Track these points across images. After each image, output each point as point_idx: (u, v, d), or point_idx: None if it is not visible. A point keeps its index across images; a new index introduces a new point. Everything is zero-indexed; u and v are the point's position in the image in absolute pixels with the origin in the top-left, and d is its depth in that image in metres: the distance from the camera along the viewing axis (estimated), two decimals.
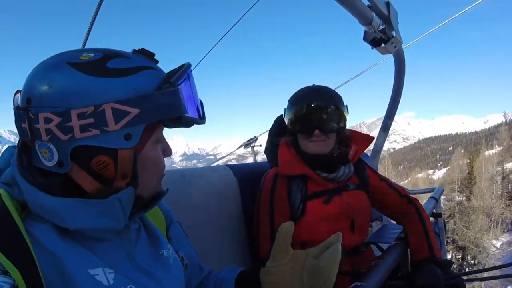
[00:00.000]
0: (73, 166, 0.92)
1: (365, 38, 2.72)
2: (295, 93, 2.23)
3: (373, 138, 2.41)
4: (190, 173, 2.20)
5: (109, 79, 0.90)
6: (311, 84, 2.27)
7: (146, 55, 1.01)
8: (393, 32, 2.67)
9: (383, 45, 2.70)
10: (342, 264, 2.01)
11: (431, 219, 3.21)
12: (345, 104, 2.20)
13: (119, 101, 0.89)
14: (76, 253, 0.92)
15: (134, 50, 1.01)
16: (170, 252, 1.19)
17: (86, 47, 1.42)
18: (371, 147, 4.26)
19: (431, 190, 3.88)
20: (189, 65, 1.04)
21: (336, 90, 2.28)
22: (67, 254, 0.90)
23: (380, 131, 4.17)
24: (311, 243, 2.10)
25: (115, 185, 0.98)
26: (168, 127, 1.03)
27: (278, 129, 2.41)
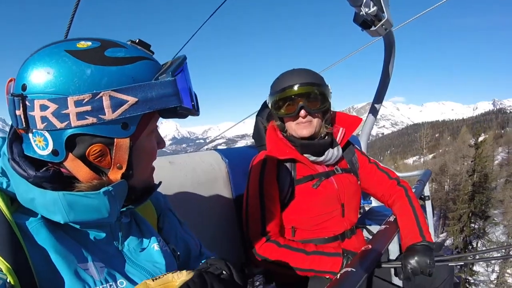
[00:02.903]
0: (68, 155, 0.92)
1: (355, 20, 2.64)
2: (276, 78, 2.18)
3: (360, 119, 2.38)
4: (178, 159, 2.17)
5: (107, 67, 0.89)
6: (291, 69, 2.22)
7: (142, 46, 1.02)
8: (384, 14, 2.60)
9: (373, 27, 2.64)
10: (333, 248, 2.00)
11: (420, 202, 3.24)
12: (327, 84, 2.16)
13: (117, 89, 0.89)
14: (67, 247, 0.91)
15: (131, 41, 1.02)
16: (160, 245, 1.18)
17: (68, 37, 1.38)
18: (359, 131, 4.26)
19: (419, 173, 3.90)
20: (185, 57, 1.04)
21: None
22: (57, 248, 0.89)
23: (368, 114, 4.16)
24: (301, 228, 2.10)
25: (109, 176, 0.98)
26: (164, 117, 1.03)
27: (265, 113, 2.38)
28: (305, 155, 2.14)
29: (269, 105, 2.20)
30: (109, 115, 0.88)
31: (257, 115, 2.43)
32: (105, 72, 0.89)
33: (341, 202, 2.14)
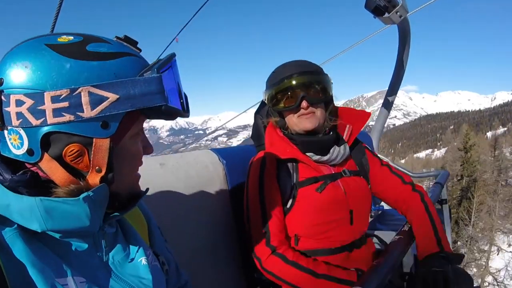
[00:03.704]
0: (44, 156, 0.91)
1: (367, 6, 2.58)
2: (272, 72, 2.13)
3: (369, 114, 2.27)
4: (170, 160, 2.08)
5: (88, 62, 0.89)
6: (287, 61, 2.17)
7: (128, 42, 1.01)
8: (399, 0, 2.53)
9: (387, 14, 2.56)
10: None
11: (436, 205, 3.15)
12: (327, 73, 2.10)
13: (97, 85, 0.88)
14: (44, 260, 0.88)
15: (116, 37, 1.01)
16: (149, 259, 1.15)
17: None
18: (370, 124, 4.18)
19: (436, 173, 3.78)
20: (173, 54, 1.04)
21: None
22: (34, 262, 0.86)
23: (381, 108, 4.06)
24: (305, 236, 2.02)
25: (88, 180, 0.96)
26: (149, 117, 1.02)
27: (264, 111, 2.30)
28: (308, 154, 2.06)
29: (266, 101, 2.14)
30: (87, 112, 0.87)
31: (255, 113, 2.36)
32: (85, 67, 0.88)
33: (349, 208, 2.04)
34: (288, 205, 2.02)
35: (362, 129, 2.21)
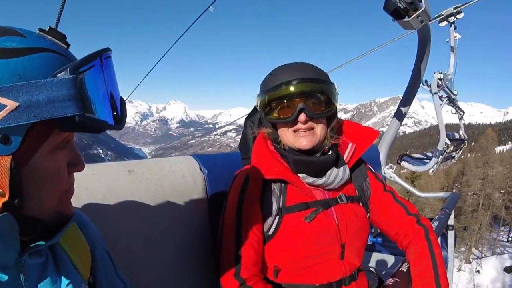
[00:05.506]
0: None
1: (386, 7, 2.36)
2: (268, 73, 1.83)
3: (377, 133, 1.97)
4: (141, 167, 1.79)
5: None
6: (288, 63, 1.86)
7: (53, 35, 0.83)
8: (422, 3, 2.32)
9: (407, 18, 2.35)
10: None
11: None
12: (333, 82, 1.80)
13: None
14: None
15: (39, 29, 0.85)
16: None
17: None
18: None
19: (445, 195, 3.56)
20: (103, 50, 0.86)
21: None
22: None
23: (392, 119, 3.79)
24: (286, 269, 1.74)
25: None
26: (64, 129, 0.82)
27: (256, 118, 2.01)
28: (300, 175, 1.78)
29: (258, 107, 1.84)
30: None
31: (246, 119, 2.06)
32: None
33: (341, 242, 1.76)
34: (270, 232, 1.74)
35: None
